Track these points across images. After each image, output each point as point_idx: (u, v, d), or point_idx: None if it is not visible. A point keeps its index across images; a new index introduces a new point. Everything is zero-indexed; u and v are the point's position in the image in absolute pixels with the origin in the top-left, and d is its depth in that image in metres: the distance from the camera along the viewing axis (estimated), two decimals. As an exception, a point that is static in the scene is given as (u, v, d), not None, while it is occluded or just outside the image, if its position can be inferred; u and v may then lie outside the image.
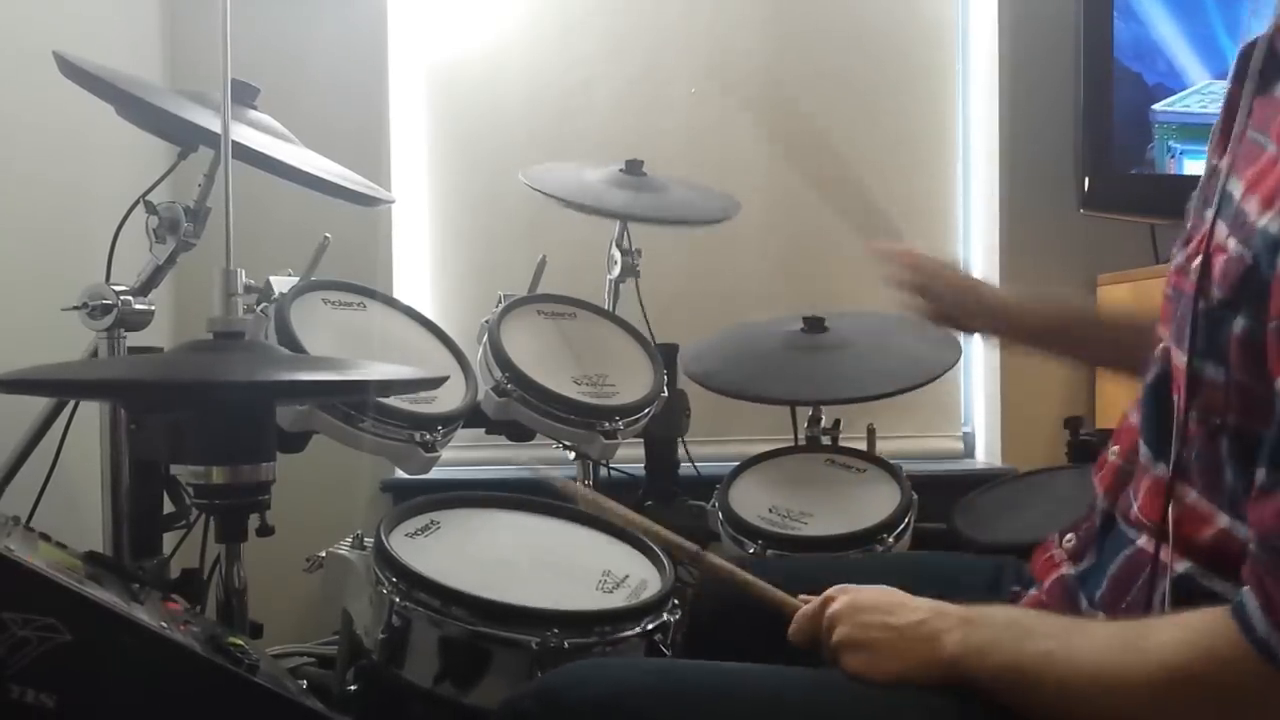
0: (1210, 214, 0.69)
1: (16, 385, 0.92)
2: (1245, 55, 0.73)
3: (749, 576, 0.89)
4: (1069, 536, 0.83)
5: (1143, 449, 0.75)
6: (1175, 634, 0.62)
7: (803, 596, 0.85)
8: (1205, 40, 2.03)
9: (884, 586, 0.80)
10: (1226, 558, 0.65)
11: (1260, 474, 0.60)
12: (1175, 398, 0.69)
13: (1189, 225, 0.76)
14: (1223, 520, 0.66)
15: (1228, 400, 0.65)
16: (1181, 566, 0.68)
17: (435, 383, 1.18)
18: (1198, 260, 0.67)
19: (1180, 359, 0.68)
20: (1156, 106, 2.02)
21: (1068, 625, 0.71)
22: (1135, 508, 0.75)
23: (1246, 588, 0.59)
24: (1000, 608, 0.75)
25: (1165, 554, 0.69)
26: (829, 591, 0.81)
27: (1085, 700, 0.65)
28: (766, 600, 0.87)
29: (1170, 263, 0.77)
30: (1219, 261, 0.65)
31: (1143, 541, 0.73)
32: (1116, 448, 0.82)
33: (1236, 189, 0.67)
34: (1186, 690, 0.61)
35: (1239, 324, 0.63)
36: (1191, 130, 2.03)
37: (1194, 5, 2.04)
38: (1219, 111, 0.78)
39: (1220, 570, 0.66)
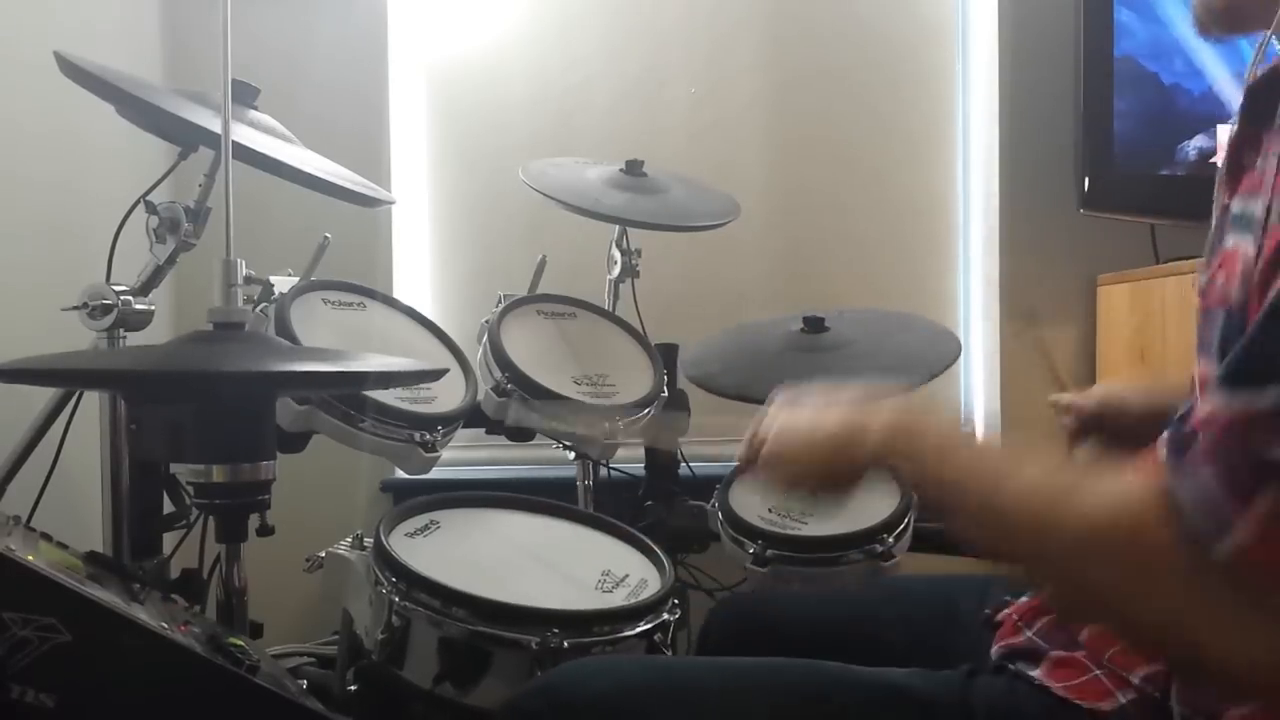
0: (1229, 239, 0.68)
1: (16, 375, 0.92)
2: (1251, 92, 0.72)
3: None
4: None
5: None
6: (1105, 497, 0.62)
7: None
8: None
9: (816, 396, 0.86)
10: None
11: (1217, 368, 0.60)
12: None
13: (1207, 259, 0.75)
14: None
15: None
16: None
17: (436, 374, 1.18)
18: (1220, 275, 0.67)
19: (1210, 368, 0.68)
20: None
21: (1000, 458, 0.72)
22: None
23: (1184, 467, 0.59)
24: (937, 421, 0.77)
25: None
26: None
27: (1004, 531, 0.67)
28: None
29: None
30: (1236, 268, 0.65)
31: None
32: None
33: (1247, 209, 0.67)
34: (1102, 549, 0.60)
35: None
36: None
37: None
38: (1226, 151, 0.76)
39: None
